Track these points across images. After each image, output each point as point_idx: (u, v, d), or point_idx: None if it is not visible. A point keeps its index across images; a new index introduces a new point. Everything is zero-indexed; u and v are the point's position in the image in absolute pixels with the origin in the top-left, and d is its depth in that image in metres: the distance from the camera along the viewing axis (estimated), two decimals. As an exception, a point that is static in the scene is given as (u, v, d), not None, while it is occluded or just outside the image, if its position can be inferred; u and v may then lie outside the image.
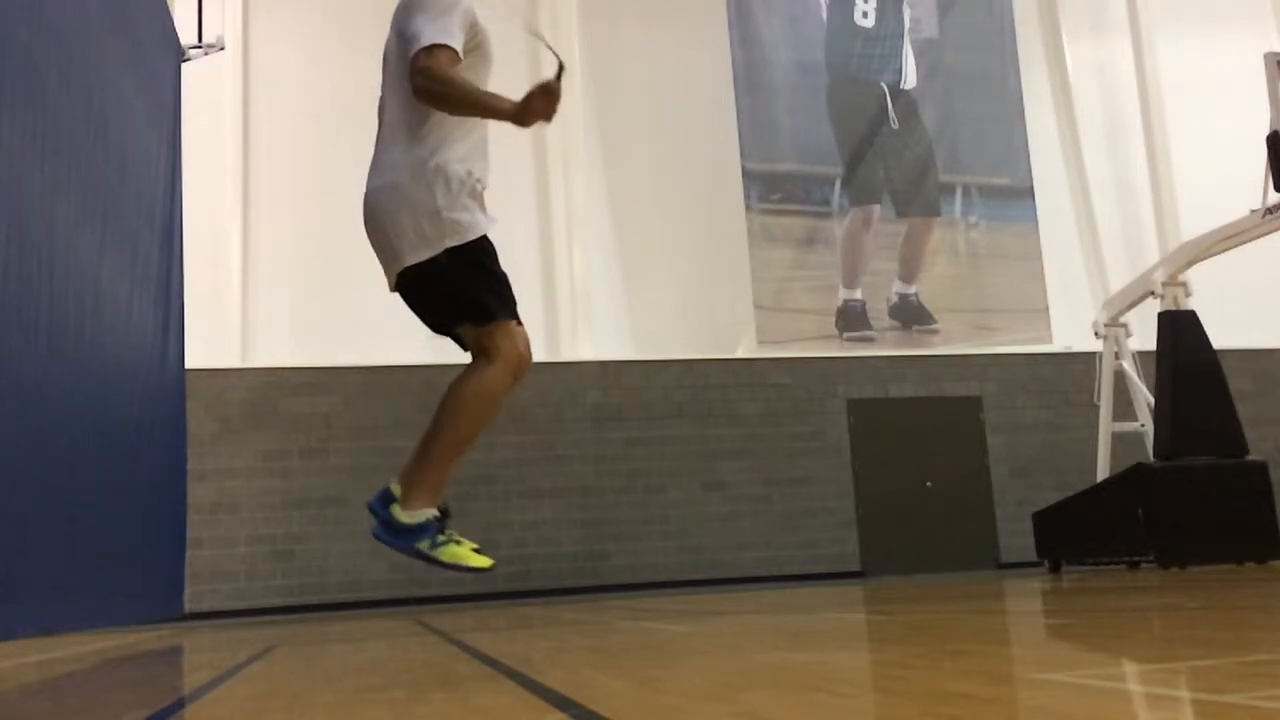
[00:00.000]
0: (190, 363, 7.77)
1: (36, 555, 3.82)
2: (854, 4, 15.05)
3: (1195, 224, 11.73)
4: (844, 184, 14.55)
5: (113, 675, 4.38)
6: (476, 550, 2.90)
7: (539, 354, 14.20)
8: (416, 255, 2.93)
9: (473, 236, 2.94)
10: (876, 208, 14.63)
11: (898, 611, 5.44)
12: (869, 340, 14.21)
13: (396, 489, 2.87)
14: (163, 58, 6.84)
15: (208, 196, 11.93)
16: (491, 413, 2.96)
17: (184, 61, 7.79)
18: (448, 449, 2.91)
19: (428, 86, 2.84)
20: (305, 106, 13.24)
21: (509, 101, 2.85)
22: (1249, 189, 9.56)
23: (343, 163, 13.08)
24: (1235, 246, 10.17)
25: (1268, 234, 9.61)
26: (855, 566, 13.31)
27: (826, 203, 14.49)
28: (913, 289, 14.55)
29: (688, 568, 12.88)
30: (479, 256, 2.96)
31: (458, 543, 2.88)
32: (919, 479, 13.69)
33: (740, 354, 13.76)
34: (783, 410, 13.60)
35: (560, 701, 2.41)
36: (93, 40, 4.78)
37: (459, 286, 2.95)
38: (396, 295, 3.14)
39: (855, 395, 13.83)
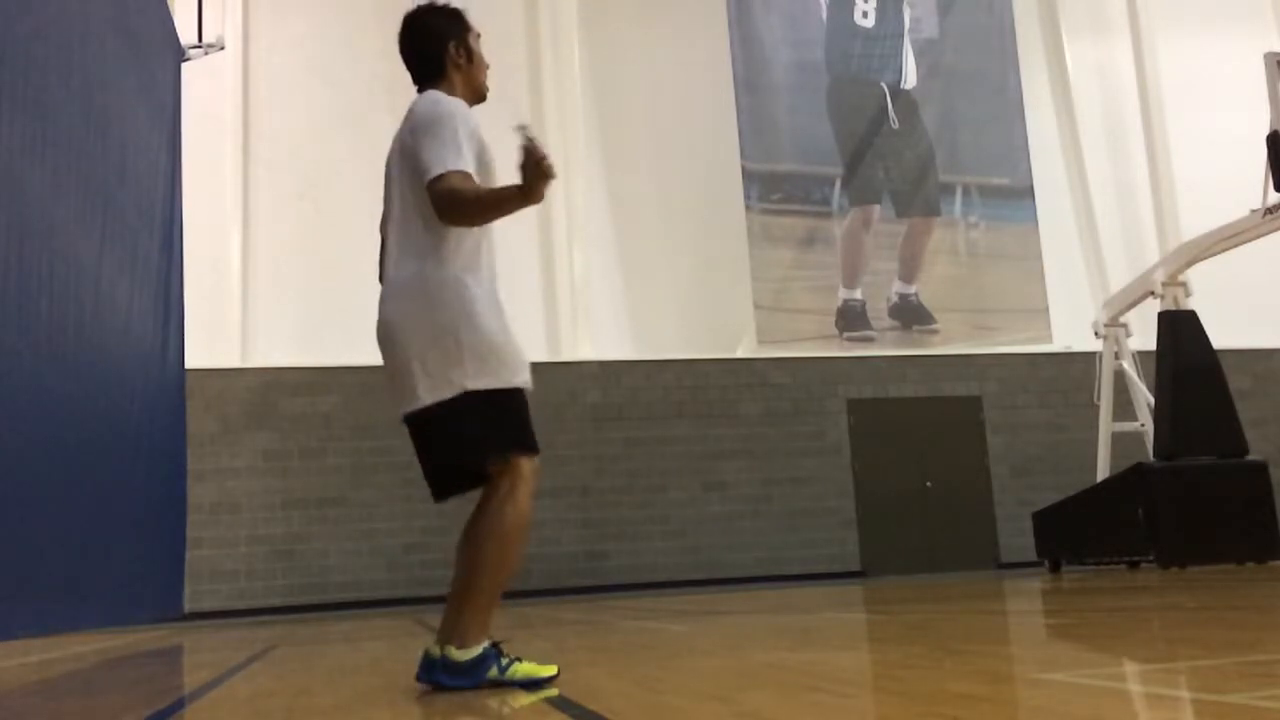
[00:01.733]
0: (190, 363, 7.76)
1: (36, 555, 3.82)
2: (854, 4, 15.04)
3: (1195, 224, 11.72)
4: (844, 184, 14.55)
5: (113, 675, 4.38)
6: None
7: (539, 354, 14.21)
8: (435, 394, 2.78)
9: (498, 385, 2.81)
10: (876, 208, 14.63)
11: (898, 611, 5.43)
12: (869, 340, 14.21)
13: (436, 650, 2.80)
14: (163, 58, 6.83)
15: (208, 196, 11.93)
16: (526, 541, 2.88)
17: (184, 61, 7.78)
18: (493, 588, 2.82)
19: (451, 214, 2.80)
20: (305, 106, 13.24)
21: (514, 188, 2.75)
22: (1249, 189, 9.56)
23: (342, 163, 13.15)
24: (1235, 246, 10.17)
25: (1268, 234, 9.61)
26: (855, 566, 13.31)
27: (826, 203, 14.49)
28: (913, 289, 14.54)
29: (688, 568, 12.88)
30: (503, 400, 2.83)
31: (519, 660, 2.83)
32: (919, 479, 13.69)
33: (740, 354, 13.75)
34: (783, 410, 13.59)
35: (560, 701, 2.41)
36: (93, 40, 4.78)
37: (478, 429, 2.80)
38: None
39: (855, 395, 13.83)
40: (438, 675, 2.78)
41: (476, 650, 2.77)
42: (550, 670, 2.84)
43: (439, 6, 3.12)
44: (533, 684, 2.78)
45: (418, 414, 2.82)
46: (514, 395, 2.86)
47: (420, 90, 3.07)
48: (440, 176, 2.79)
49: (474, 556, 2.80)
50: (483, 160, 2.92)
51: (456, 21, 3.12)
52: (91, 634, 8.39)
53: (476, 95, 3.13)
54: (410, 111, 3.00)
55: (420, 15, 3.12)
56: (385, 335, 2.88)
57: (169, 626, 9.64)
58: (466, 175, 2.81)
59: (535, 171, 2.72)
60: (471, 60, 3.10)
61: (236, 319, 12.59)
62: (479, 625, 2.79)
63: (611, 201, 13.97)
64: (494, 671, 2.77)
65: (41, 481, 3.86)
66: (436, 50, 3.07)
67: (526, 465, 2.88)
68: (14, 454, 3.55)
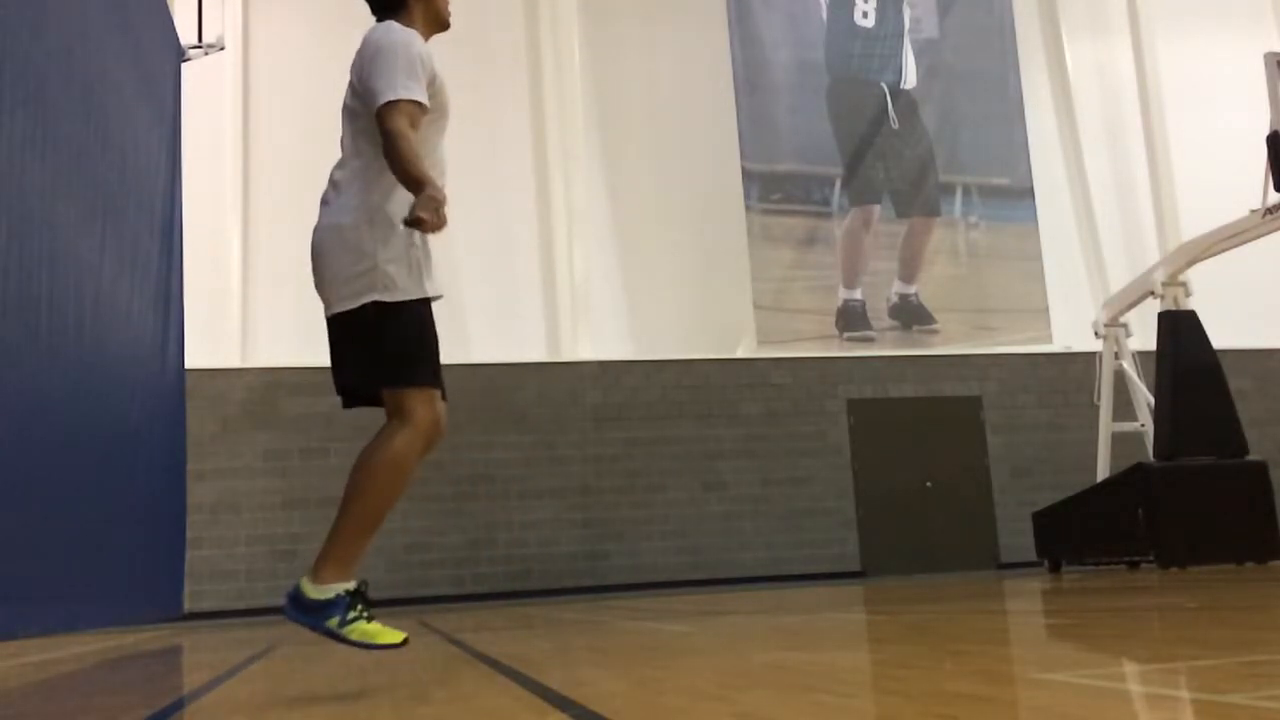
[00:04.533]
0: (190, 363, 7.77)
1: (36, 555, 3.82)
2: (854, 4, 15.05)
3: (1195, 224, 11.73)
4: (844, 184, 14.55)
5: (113, 675, 4.38)
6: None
7: (539, 354, 14.19)
8: (343, 303, 2.82)
9: (404, 298, 2.81)
10: (876, 208, 14.63)
11: (898, 611, 5.44)
12: (869, 340, 14.21)
13: (305, 583, 2.76)
14: (163, 58, 6.84)
15: (208, 196, 11.93)
16: (402, 484, 2.85)
17: (184, 61, 7.79)
18: (359, 523, 2.79)
19: (387, 145, 2.76)
20: (305, 106, 13.21)
21: (432, 187, 2.68)
22: (1249, 189, 9.56)
23: (343, 163, 13.13)
24: (1235, 246, 10.17)
25: (1268, 234, 9.61)
26: (855, 566, 13.31)
27: (826, 203, 14.49)
28: (913, 289, 14.55)
29: (687, 568, 12.88)
30: (408, 318, 2.82)
31: (367, 619, 2.76)
32: (919, 479, 13.69)
33: (740, 354, 13.75)
34: (783, 410, 13.59)
35: (560, 701, 2.41)
36: (93, 40, 4.78)
37: (382, 344, 2.81)
38: None
39: (855, 395, 13.83)
40: (287, 601, 2.78)
41: (329, 592, 2.73)
42: (394, 638, 2.78)
43: None
44: (366, 646, 2.77)
45: (332, 319, 2.87)
46: (416, 312, 2.83)
47: (379, 21, 3.02)
48: (392, 103, 2.76)
49: (346, 489, 2.82)
50: (435, 96, 2.89)
51: None
52: (91, 634, 8.38)
53: (439, 24, 3.10)
54: (363, 43, 2.97)
55: None
56: (312, 251, 2.91)
57: (169, 626, 9.63)
58: (419, 106, 2.80)
59: (430, 212, 2.64)
60: None
61: (236, 319, 12.60)
62: (337, 563, 2.75)
63: (611, 201, 13.97)
64: (334, 621, 2.72)
65: (41, 481, 3.86)
66: None
67: (419, 404, 2.84)
68: (14, 454, 3.55)
